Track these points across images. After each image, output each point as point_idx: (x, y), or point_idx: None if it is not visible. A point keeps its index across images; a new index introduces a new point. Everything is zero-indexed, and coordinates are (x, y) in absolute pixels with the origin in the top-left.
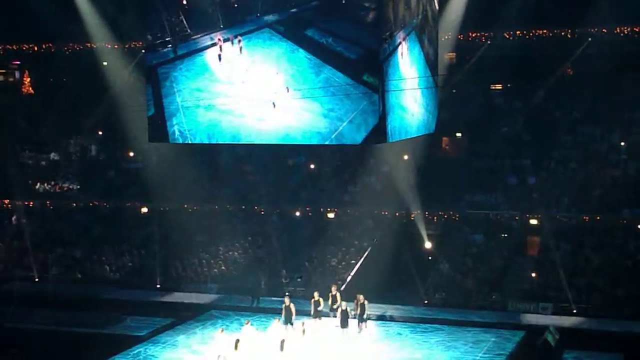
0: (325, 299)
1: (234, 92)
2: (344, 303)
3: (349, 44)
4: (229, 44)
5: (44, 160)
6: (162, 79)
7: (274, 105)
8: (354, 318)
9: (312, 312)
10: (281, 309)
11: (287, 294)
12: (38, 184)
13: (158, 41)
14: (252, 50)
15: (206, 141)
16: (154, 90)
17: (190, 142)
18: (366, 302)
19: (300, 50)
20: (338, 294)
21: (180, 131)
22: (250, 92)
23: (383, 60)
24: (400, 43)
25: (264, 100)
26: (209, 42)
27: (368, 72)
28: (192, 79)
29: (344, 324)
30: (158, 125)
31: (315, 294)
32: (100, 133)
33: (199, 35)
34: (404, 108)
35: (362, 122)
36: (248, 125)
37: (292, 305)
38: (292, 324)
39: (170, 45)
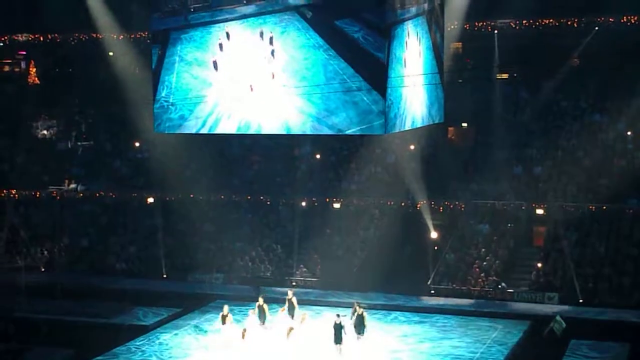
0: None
1: (224, 72)
2: (337, 317)
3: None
4: (248, 36)
5: (50, 151)
6: (171, 42)
7: (251, 89)
8: (353, 328)
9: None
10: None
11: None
12: (45, 175)
13: (173, 6)
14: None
15: (178, 127)
16: (160, 52)
17: (170, 119)
18: (365, 313)
19: (322, 43)
20: (294, 299)
21: (166, 101)
22: (238, 75)
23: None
24: (406, 20)
25: (246, 84)
26: (224, 17)
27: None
28: (194, 49)
29: (337, 339)
30: (154, 89)
31: (260, 299)
32: (106, 124)
33: (217, 8)
34: (409, 97)
35: (364, 120)
36: (225, 109)
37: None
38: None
39: (184, 12)
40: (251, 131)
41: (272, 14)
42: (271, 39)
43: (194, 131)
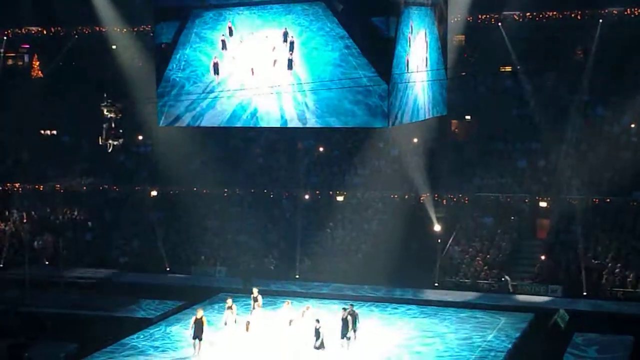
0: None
1: (233, 58)
2: (316, 322)
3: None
4: (271, 36)
5: (54, 144)
6: (191, 19)
7: (252, 72)
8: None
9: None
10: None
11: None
12: (48, 168)
13: None
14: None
15: (180, 109)
16: (180, 26)
17: (175, 95)
18: (350, 317)
19: (348, 41)
20: (259, 297)
21: (175, 77)
22: (248, 60)
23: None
24: (411, 4)
25: (254, 70)
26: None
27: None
28: (210, 30)
29: (320, 345)
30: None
31: (228, 301)
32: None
33: None
34: (412, 90)
35: (368, 113)
36: (224, 99)
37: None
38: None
39: None
40: (247, 113)
41: (298, 3)
42: (292, 44)
43: (194, 105)
